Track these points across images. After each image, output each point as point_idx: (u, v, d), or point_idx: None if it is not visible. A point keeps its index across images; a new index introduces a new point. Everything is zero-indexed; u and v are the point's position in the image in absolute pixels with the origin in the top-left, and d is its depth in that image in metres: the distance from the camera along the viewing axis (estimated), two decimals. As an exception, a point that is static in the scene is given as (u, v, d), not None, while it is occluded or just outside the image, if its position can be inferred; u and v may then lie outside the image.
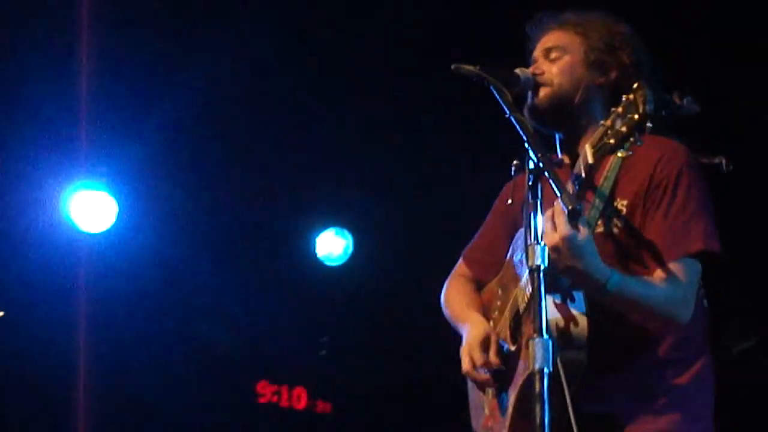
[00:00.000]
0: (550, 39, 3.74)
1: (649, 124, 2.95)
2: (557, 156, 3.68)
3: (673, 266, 3.39)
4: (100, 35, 6.54)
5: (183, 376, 7.63)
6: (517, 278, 3.58)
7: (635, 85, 2.99)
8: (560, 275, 3.23)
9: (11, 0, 6.32)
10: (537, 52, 3.74)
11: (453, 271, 4.09)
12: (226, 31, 6.58)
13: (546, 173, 3.06)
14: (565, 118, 3.64)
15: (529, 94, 3.63)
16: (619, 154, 3.05)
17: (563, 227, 3.19)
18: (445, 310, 3.99)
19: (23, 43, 6.53)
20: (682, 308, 3.40)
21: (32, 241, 7.03)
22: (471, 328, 3.69)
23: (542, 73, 3.64)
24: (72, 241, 7.12)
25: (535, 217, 3.08)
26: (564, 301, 3.33)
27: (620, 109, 3.03)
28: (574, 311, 3.32)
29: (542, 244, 3.04)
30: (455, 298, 3.98)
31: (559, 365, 3.03)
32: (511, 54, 3.81)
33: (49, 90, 6.69)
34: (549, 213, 3.23)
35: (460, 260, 4.07)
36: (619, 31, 3.72)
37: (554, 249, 3.16)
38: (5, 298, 6.99)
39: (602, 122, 3.10)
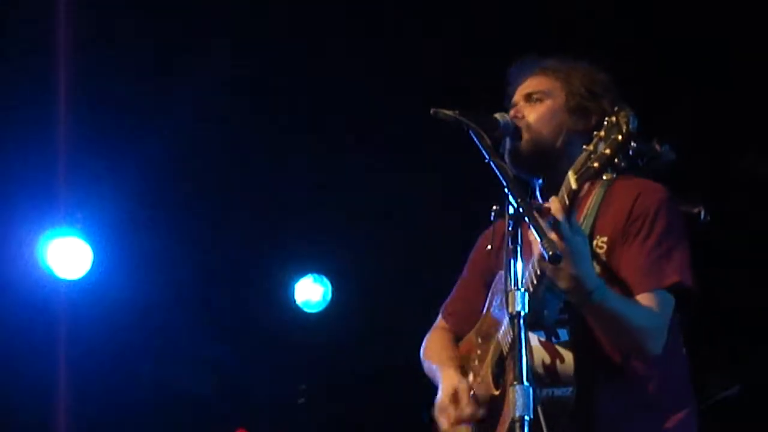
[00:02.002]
0: (532, 84, 3.73)
1: (633, 144, 2.94)
2: (537, 201, 3.66)
3: (647, 297, 3.40)
4: (76, 82, 6.52)
5: (160, 424, 7.57)
6: (498, 324, 3.56)
7: (616, 108, 3.00)
8: (550, 280, 3.21)
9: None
10: (517, 96, 3.74)
11: (433, 326, 4.08)
12: (202, 79, 6.57)
13: (526, 218, 3.04)
14: (545, 163, 3.62)
15: (509, 139, 3.61)
16: (604, 177, 3.03)
17: (560, 227, 3.17)
18: (424, 364, 3.98)
19: (-1, 90, 6.52)
20: (654, 336, 3.39)
21: (8, 287, 7.00)
22: (441, 386, 3.70)
23: (523, 117, 3.63)
24: (49, 287, 7.10)
25: (515, 263, 3.06)
26: (549, 338, 3.33)
27: (602, 133, 3.03)
28: (559, 348, 3.31)
29: (522, 290, 3.02)
30: (432, 353, 3.98)
31: (539, 411, 3.00)
32: (488, 99, 3.80)
33: (26, 137, 6.67)
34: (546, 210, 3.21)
35: (439, 315, 4.08)
36: (600, 79, 3.73)
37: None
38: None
39: (584, 147, 3.09)
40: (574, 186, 3.14)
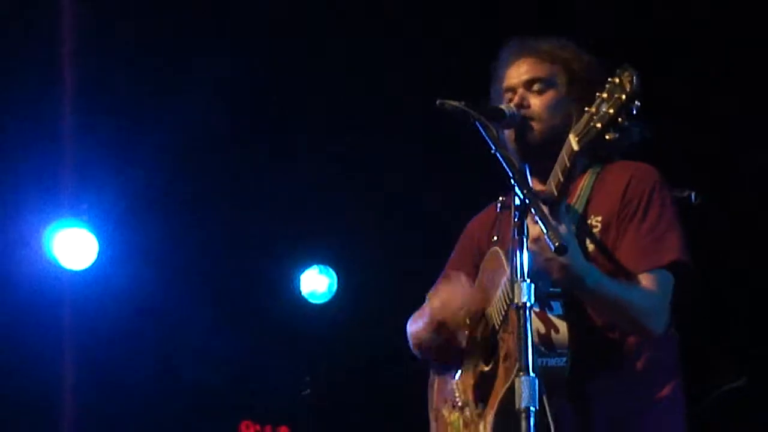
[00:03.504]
0: (530, 68, 3.67)
1: (636, 103, 2.93)
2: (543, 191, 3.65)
3: (646, 277, 3.42)
4: (82, 73, 6.54)
5: (165, 415, 7.57)
6: (486, 300, 3.56)
7: (620, 68, 2.99)
8: (540, 270, 3.20)
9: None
10: (515, 80, 3.67)
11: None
12: (208, 70, 6.58)
13: (533, 210, 3.03)
14: (554, 152, 3.60)
15: (516, 129, 3.58)
16: (607, 137, 3.02)
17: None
18: (410, 332, 3.89)
19: (4, 82, 6.52)
20: (655, 316, 3.41)
21: (14, 277, 7.01)
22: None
23: (529, 106, 3.60)
24: (55, 278, 7.11)
25: (520, 254, 3.05)
26: (543, 308, 3.33)
27: (605, 94, 3.02)
28: (553, 318, 3.33)
29: (528, 281, 3.01)
30: (416, 316, 3.91)
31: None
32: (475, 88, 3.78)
33: (31, 128, 6.68)
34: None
35: (425, 303, 4.03)
36: (594, 62, 3.70)
37: (536, 242, 3.14)
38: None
39: (587, 109, 3.08)
40: (576, 147, 3.13)
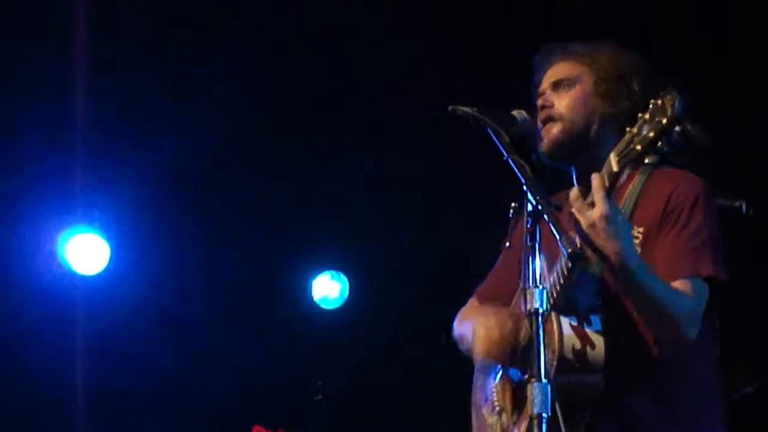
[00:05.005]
0: (558, 71, 3.68)
1: (677, 128, 2.91)
2: (557, 199, 3.64)
3: (683, 283, 3.36)
4: (95, 81, 6.57)
5: (177, 420, 7.57)
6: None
7: (664, 90, 2.95)
8: (591, 258, 3.18)
9: (7, 45, 6.33)
10: (544, 84, 3.68)
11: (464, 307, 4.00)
12: (220, 76, 6.59)
13: (545, 216, 3.03)
14: (579, 151, 3.59)
15: (539, 131, 3.58)
16: (646, 160, 3.01)
17: (603, 203, 3.15)
18: (456, 333, 3.88)
19: (18, 90, 6.54)
20: (690, 320, 3.35)
21: (27, 283, 7.03)
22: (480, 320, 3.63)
23: (552, 106, 3.60)
24: (67, 283, 7.13)
25: (533, 260, 3.05)
26: (580, 323, 3.30)
27: (647, 115, 2.99)
28: (590, 333, 3.29)
29: (540, 287, 3.01)
30: (465, 316, 3.89)
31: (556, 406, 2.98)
32: (505, 96, 3.79)
33: (44, 135, 6.71)
34: (580, 191, 3.19)
35: (472, 297, 3.99)
36: (628, 60, 3.66)
37: (591, 226, 3.13)
38: (2, 339, 6.97)
39: (628, 129, 3.06)
40: (615, 168, 3.12)
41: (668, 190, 3.48)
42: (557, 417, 2.91)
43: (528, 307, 3.00)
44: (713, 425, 3.50)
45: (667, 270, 3.37)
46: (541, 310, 2.98)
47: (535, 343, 2.96)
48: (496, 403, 3.63)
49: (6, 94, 6.56)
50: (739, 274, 3.54)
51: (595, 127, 3.58)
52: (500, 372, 3.66)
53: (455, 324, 3.94)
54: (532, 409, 2.91)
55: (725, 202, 3.56)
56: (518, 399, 3.51)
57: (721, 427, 3.52)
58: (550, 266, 3.35)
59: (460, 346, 3.87)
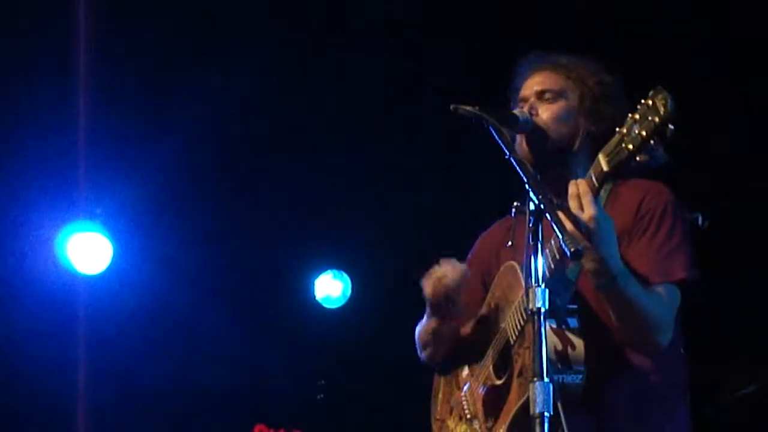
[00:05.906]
0: (543, 80, 3.70)
1: (670, 127, 2.91)
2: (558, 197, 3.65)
3: (657, 288, 3.43)
4: (96, 77, 6.56)
5: (179, 419, 7.58)
6: (501, 314, 3.59)
7: (654, 90, 2.96)
8: (575, 260, 3.18)
9: (9, 43, 6.34)
10: (528, 91, 3.70)
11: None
12: (223, 73, 6.58)
13: (547, 215, 3.03)
14: (560, 161, 3.62)
15: (527, 135, 3.59)
16: (638, 159, 3.01)
17: (590, 207, 3.18)
18: (418, 342, 4.05)
19: (19, 88, 6.54)
20: (664, 328, 3.44)
21: (29, 282, 7.03)
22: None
23: (537, 115, 3.61)
24: (69, 282, 7.13)
25: (535, 260, 3.05)
26: (559, 325, 3.35)
27: (637, 115, 3.01)
28: (569, 335, 3.34)
29: (542, 286, 3.01)
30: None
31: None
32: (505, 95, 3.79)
33: (46, 133, 6.71)
34: (573, 191, 3.22)
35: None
36: (611, 81, 3.70)
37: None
38: (3, 338, 6.98)
39: (618, 129, 3.07)
40: (605, 168, 3.14)
41: (637, 197, 3.54)
42: (545, 417, 2.92)
43: (530, 306, 3.00)
44: (684, 414, 3.57)
45: (640, 276, 3.43)
46: (543, 309, 2.98)
47: (536, 343, 2.96)
48: (467, 411, 3.69)
49: (7, 93, 6.55)
50: (739, 274, 3.56)
51: (578, 141, 3.62)
52: (471, 381, 3.73)
53: (416, 339, 4.07)
54: (534, 409, 2.91)
55: (682, 214, 3.60)
56: (489, 405, 3.58)
57: (689, 417, 3.59)
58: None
59: (420, 352, 4.04)
